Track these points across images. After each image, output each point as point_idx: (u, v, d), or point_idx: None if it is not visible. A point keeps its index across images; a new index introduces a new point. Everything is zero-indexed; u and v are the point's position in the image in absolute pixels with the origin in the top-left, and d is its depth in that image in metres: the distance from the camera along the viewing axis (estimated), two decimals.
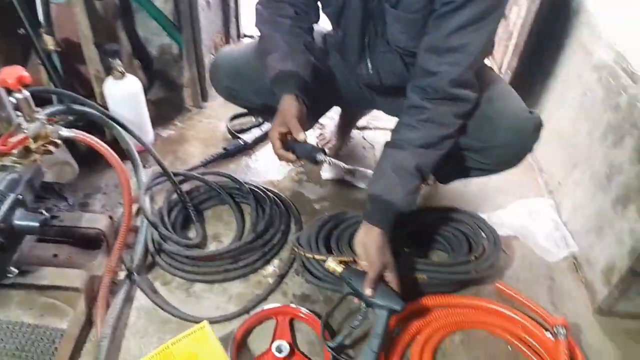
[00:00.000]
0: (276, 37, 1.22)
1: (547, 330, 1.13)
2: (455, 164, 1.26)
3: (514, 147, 1.18)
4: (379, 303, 1.07)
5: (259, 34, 1.29)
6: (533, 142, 1.19)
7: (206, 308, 1.21)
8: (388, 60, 1.23)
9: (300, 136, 1.13)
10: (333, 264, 1.15)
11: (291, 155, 1.16)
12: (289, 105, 1.17)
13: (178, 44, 1.82)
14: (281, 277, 1.28)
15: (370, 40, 1.21)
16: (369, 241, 1.11)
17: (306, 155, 1.14)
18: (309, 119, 1.23)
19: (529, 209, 1.47)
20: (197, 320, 1.15)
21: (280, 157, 1.18)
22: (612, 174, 1.25)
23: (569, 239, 1.40)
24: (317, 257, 1.22)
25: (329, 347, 1.08)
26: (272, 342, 1.10)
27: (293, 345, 1.11)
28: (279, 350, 1.07)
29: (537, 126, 1.18)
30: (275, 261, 1.34)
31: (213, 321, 1.15)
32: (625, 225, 1.17)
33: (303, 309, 1.18)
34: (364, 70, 1.28)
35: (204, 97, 1.95)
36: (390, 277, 1.12)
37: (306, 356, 1.11)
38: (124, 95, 1.55)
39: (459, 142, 1.16)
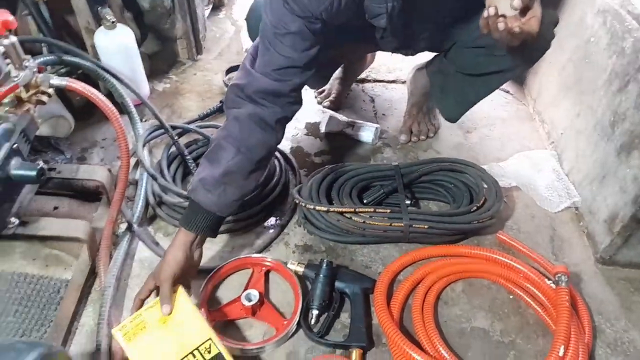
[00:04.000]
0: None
1: (548, 279, 1.14)
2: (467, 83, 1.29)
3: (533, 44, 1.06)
4: (351, 286, 1.12)
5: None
6: (551, 38, 1.19)
7: (210, 258, 1.22)
8: None
9: (165, 310, 0.95)
10: (292, 266, 1.15)
11: None
12: (175, 255, 1.00)
13: None
14: (282, 228, 1.28)
15: None
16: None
17: None
18: (320, 82, 1.19)
19: (531, 160, 1.46)
20: (200, 269, 1.15)
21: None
22: (616, 121, 1.23)
23: (571, 189, 1.39)
24: (318, 208, 1.22)
25: (311, 336, 1.05)
26: (244, 290, 1.10)
27: (263, 295, 1.10)
28: (248, 298, 1.07)
29: (555, 22, 1.18)
30: (277, 213, 1.33)
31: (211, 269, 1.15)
32: (629, 172, 1.17)
33: (281, 263, 1.16)
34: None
35: (198, 50, 1.90)
36: None
37: (275, 308, 1.11)
38: (117, 46, 1.50)
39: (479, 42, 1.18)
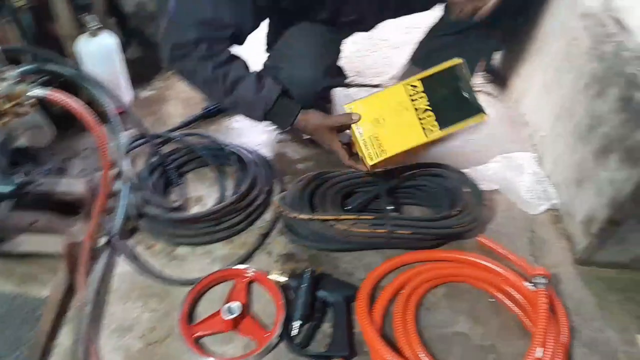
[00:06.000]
0: (230, 67, 1.22)
1: (528, 281, 1.15)
2: None
3: None
4: (334, 295, 1.12)
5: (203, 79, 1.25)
6: None
7: (190, 270, 1.22)
8: None
9: (354, 118, 1.16)
10: (274, 276, 1.15)
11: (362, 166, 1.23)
12: (315, 116, 1.25)
13: None
14: (264, 237, 1.28)
15: None
16: (310, 125, 1.28)
17: None
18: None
19: (512, 163, 1.47)
20: (180, 283, 1.16)
21: (354, 167, 1.27)
22: (594, 125, 1.24)
23: (550, 191, 1.41)
24: (301, 216, 1.22)
25: (292, 348, 1.05)
26: (225, 303, 1.09)
27: (245, 308, 1.10)
28: (230, 311, 1.06)
29: None
30: (259, 222, 1.34)
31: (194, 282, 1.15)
32: (605, 175, 1.18)
33: (264, 273, 1.16)
34: None
35: None
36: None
37: (258, 319, 1.11)
38: (99, 52, 1.49)
39: None
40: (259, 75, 1.24)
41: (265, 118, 1.26)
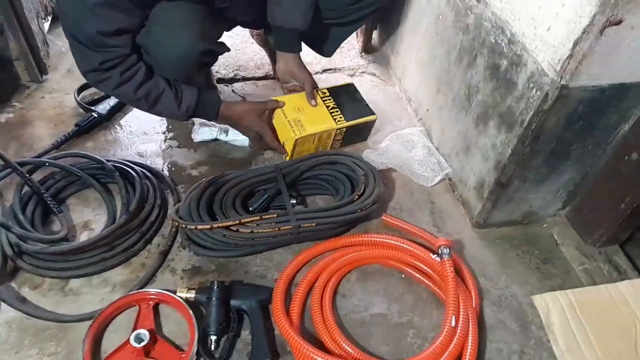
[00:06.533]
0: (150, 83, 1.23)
1: (433, 252, 1.19)
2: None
3: None
4: (246, 302, 1.09)
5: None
6: None
7: (88, 303, 1.11)
8: None
9: (280, 103, 1.44)
10: (182, 293, 1.08)
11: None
12: (241, 104, 1.42)
13: None
14: (165, 254, 1.20)
15: None
16: (288, 67, 1.45)
17: None
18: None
19: (402, 139, 1.51)
20: (77, 319, 1.05)
21: (278, 150, 1.47)
22: (471, 94, 1.31)
23: (442, 162, 1.47)
24: (200, 227, 1.16)
25: None
26: (132, 331, 1.02)
27: (155, 333, 1.04)
28: (139, 339, 1.00)
29: None
30: (157, 239, 1.25)
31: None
32: (487, 141, 1.25)
33: (168, 293, 1.09)
34: None
35: (42, 69, 1.69)
36: (308, 92, 1.46)
37: (171, 342, 1.05)
38: None
39: None
40: (174, 86, 1.27)
41: (190, 118, 1.35)
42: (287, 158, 1.46)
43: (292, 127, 1.40)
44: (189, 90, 1.28)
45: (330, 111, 1.46)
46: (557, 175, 1.23)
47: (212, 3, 1.26)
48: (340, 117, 1.45)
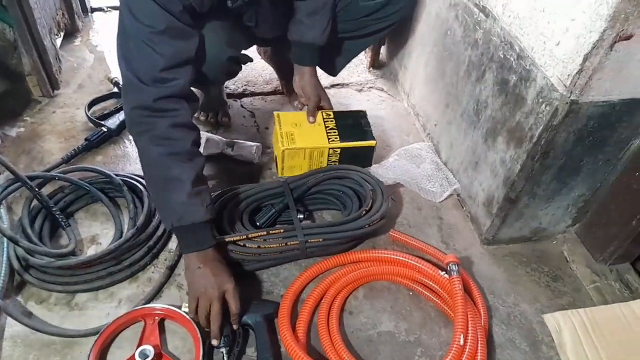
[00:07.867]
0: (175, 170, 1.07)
1: (442, 269, 1.17)
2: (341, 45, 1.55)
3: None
4: (252, 317, 1.08)
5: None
6: None
7: (94, 318, 1.10)
8: None
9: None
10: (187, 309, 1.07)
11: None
12: (209, 271, 1.05)
13: (10, 27, 1.57)
14: (171, 269, 1.20)
15: None
16: (304, 80, 1.46)
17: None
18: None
19: (410, 155, 1.50)
20: (82, 334, 1.04)
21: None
22: (480, 109, 1.30)
23: (450, 177, 1.46)
24: None
25: None
26: (137, 347, 1.01)
27: (160, 348, 1.03)
28: (144, 355, 0.99)
29: None
30: (164, 254, 1.25)
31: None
32: (496, 156, 1.24)
33: (173, 309, 1.08)
34: None
35: (54, 84, 1.72)
36: (327, 105, 1.50)
37: (176, 358, 1.05)
38: None
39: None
40: (197, 192, 1.08)
41: (170, 226, 1.08)
42: (278, 172, 1.47)
43: (282, 139, 1.41)
44: (201, 209, 1.07)
45: (328, 131, 1.46)
46: (567, 191, 1.22)
47: (241, 21, 1.29)
48: (336, 138, 1.44)
